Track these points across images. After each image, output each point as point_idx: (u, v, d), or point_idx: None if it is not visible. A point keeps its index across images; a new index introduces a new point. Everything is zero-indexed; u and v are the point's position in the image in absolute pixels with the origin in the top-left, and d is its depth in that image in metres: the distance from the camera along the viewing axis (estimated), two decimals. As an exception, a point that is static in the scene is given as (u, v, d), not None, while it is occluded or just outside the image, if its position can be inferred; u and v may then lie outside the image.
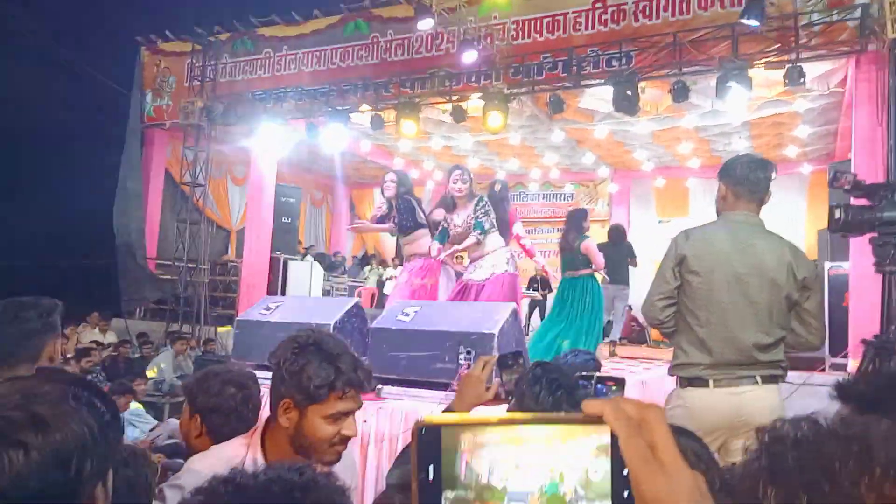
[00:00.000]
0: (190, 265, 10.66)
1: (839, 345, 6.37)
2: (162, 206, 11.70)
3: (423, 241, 5.38)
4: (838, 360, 6.44)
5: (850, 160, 6.97)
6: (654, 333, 10.85)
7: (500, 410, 1.81)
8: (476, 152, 11.49)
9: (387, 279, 12.43)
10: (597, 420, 0.49)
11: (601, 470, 0.49)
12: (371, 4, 9.45)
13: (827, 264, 7.06)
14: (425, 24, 7.55)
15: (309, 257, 12.24)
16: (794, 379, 5.89)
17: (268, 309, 4.07)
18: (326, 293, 11.57)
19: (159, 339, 9.66)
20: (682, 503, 0.45)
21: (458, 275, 5.24)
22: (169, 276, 10.91)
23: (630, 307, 9.04)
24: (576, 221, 6.64)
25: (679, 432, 0.99)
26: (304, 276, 10.46)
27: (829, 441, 0.58)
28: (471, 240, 4.87)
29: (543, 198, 13.37)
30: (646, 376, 5.47)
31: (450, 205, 5.13)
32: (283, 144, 10.26)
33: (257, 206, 10.49)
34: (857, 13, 6.42)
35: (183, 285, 10.53)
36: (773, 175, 2.38)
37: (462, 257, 5.38)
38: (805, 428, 0.60)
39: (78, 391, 0.84)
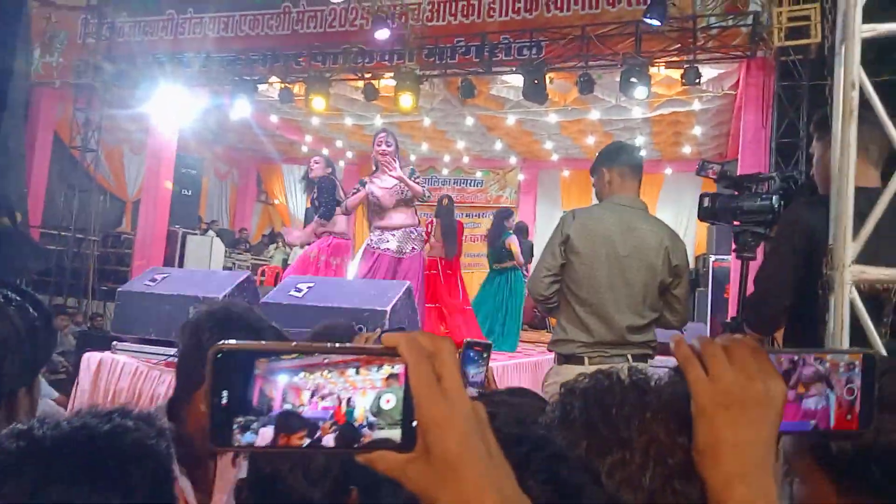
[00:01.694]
0: (79, 235, 10.03)
1: (717, 334, 6.81)
2: (50, 171, 10.90)
3: (339, 219, 5.30)
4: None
5: (734, 160, 7.41)
6: (553, 320, 11.26)
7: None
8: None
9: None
10: (393, 352, 0.50)
11: (393, 398, 0.50)
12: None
13: (711, 257, 7.50)
14: (338, -1, 7.38)
15: (210, 232, 11.80)
16: (670, 363, 6.29)
17: (153, 280, 3.89)
18: (228, 270, 11.19)
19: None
20: (459, 426, 0.47)
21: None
22: (55, 247, 10.22)
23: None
24: (500, 220, 7.46)
25: (521, 392, 1.02)
26: (204, 251, 10.08)
27: (612, 390, 0.61)
28: (417, 188, 4.79)
29: (454, 182, 13.46)
30: (540, 358, 5.65)
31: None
32: (186, 112, 9.79)
33: (155, 175, 9.97)
34: (750, 20, 6.81)
35: (70, 256, 9.90)
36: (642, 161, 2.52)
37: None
38: (599, 380, 0.63)
39: (9, 293, 0.80)
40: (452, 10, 8.41)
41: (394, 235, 4.83)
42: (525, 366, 5.20)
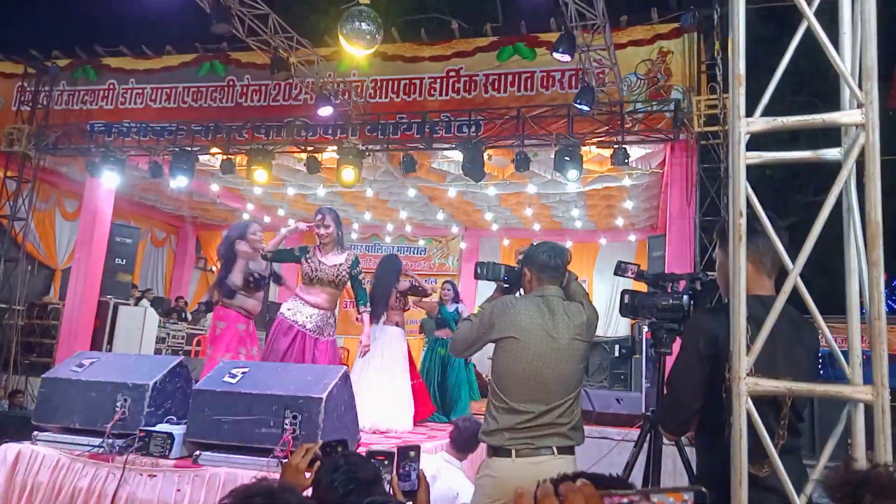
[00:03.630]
0: (2, 305, 9.59)
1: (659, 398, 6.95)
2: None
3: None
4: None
5: (664, 234, 7.79)
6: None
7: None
8: (331, 202, 11.46)
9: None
10: None
11: None
12: (229, 47, 9.30)
13: (645, 326, 7.72)
14: (282, 77, 7.55)
15: (144, 302, 11.45)
16: (614, 435, 6.36)
17: (80, 366, 3.75)
18: (161, 341, 10.83)
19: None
20: None
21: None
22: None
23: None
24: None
25: None
26: (137, 322, 9.75)
27: None
28: (366, 319, 4.74)
29: (398, 250, 13.55)
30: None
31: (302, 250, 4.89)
32: (122, 181, 9.65)
33: (87, 244, 9.70)
34: (672, 106, 7.30)
35: (-8, 329, 9.43)
36: (569, 260, 2.65)
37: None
38: None
39: None
40: (394, 89, 8.71)
41: (314, 313, 4.60)
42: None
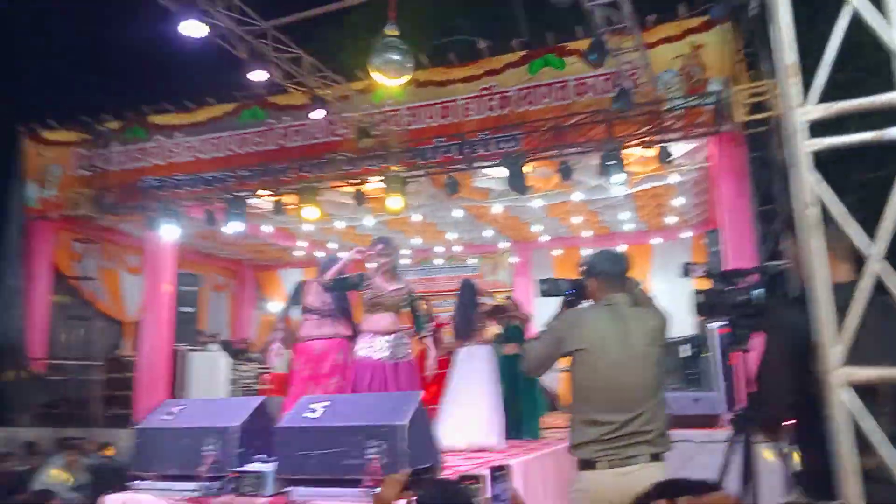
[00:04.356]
0: (83, 363, 10.04)
1: (733, 401, 6.81)
2: (51, 302, 10.99)
3: (306, 324, 5.26)
4: (732, 415, 6.85)
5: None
6: (563, 400, 11.16)
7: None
8: (379, 231, 11.64)
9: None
10: None
11: None
12: (266, 92, 9.60)
13: (714, 324, 7.55)
14: (318, 114, 7.77)
15: (213, 346, 11.80)
16: (695, 437, 6.23)
17: (170, 413, 3.93)
18: (234, 383, 11.14)
19: (49, 446, 8.91)
20: None
21: None
22: (60, 377, 10.19)
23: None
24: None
25: None
26: (209, 366, 10.07)
27: None
28: (428, 343, 4.90)
29: (449, 271, 13.65)
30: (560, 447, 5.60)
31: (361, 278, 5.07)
32: (180, 232, 10.03)
33: (155, 296, 10.09)
34: (712, 99, 7.22)
35: (76, 385, 9.86)
36: (629, 265, 2.69)
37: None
38: None
39: None
40: (430, 114, 8.85)
41: (385, 341, 4.70)
42: (549, 457, 5.10)
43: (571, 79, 8.06)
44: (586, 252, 12.38)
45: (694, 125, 7.27)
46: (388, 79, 5.43)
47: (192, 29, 5.41)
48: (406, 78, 5.55)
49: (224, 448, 3.61)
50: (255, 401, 3.88)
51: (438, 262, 13.58)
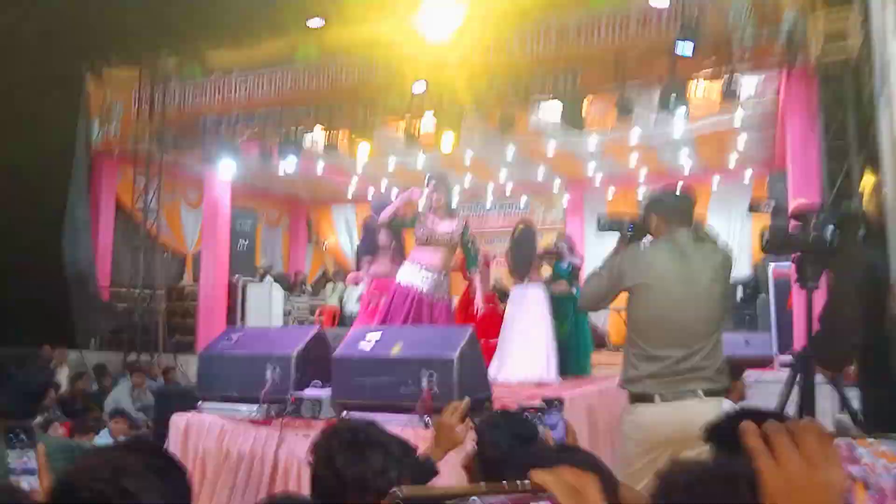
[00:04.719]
0: (146, 292, 10.51)
1: (786, 343, 6.68)
2: (114, 234, 11.48)
3: (382, 261, 5.47)
4: (785, 357, 6.74)
5: (787, 169, 7.35)
6: (613, 337, 11.14)
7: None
8: (430, 169, 11.59)
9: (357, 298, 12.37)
10: (541, 489, 0.60)
11: None
12: (321, 30, 9.50)
13: (771, 265, 7.36)
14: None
15: (268, 278, 12.17)
16: (747, 378, 6.17)
17: (229, 340, 4.10)
18: (287, 314, 11.52)
19: (117, 369, 9.47)
20: None
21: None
22: (125, 305, 10.72)
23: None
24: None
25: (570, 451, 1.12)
26: (264, 298, 10.42)
27: (711, 484, 0.71)
28: (476, 282, 4.96)
29: (499, 209, 13.59)
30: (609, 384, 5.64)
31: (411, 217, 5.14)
32: (237, 167, 10.22)
33: (213, 230, 10.41)
34: (785, 30, 6.79)
35: (139, 313, 10.37)
36: (695, 201, 2.61)
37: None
38: (694, 472, 0.73)
39: (159, 463, 0.95)
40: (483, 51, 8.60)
41: (429, 276, 4.71)
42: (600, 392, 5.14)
43: (633, 12, 7.68)
44: (642, 192, 12.14)
45: (764, 58, 6.88)
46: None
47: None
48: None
49: (282, 374, 3.76)
50: (312, 330, 4.00)
51: (489, 200, 13.50)
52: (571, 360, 6.07)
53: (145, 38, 11.08)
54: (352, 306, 12.50)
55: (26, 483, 1.48)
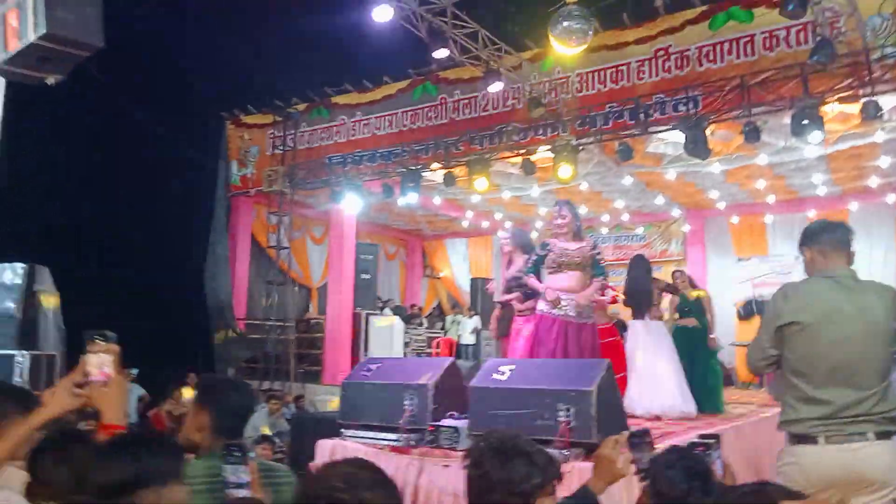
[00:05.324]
0: (278, 324, 11.19)
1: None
2: (249, 269, 12.34)
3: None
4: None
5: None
6: (741, 375, 10.58)
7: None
8: (544, 200, 11.67)
9: (472, 330, 12.57)
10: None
11: None
12: (438, 68, 9.91)
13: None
14: (495, 87, 7.87)
15: (387, 311, 12.59)
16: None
17: (369, 370, 4.31)
18: (406, 345, 11.85)
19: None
20: None
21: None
22: (258, 336, 11.46)
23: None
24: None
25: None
26: (386, 330, 10.79)
27: None
28: (595, 286, 4.86)
29: (616, 240, 13.35)
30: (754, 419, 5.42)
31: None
32: (361, 204, 10.74)
33: (339, 264, 10.96)
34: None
35: (272, 344, 11.04)
36: (853, 235, 2.49)
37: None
38: None
39: (380, 477, 1.12)
40: (601, 79, 8.65)
41: (571, 298, 4.67)
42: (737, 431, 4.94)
43: (759, 32, 7.47)
44: (769, 219, 11.54)
45: (907, 75, 6.45)
46: (569, 47, 5.39)
47: (381, 13, 5.74)
48: (586, 45, 5.47)
49: (420, 403, 3.90)
50: (446, 361, 4.14)
51: (604, 231, 13.31)
52: (704, 396, 5.85)
53: (277, 86, 12.01)
54: (466, 337, 12.69)
55: (240, 495, 1.68)
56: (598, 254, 4.89)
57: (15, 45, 4.23)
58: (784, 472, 2.31)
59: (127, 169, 13.91)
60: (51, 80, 4.59)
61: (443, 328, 13.70)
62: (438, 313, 15.37)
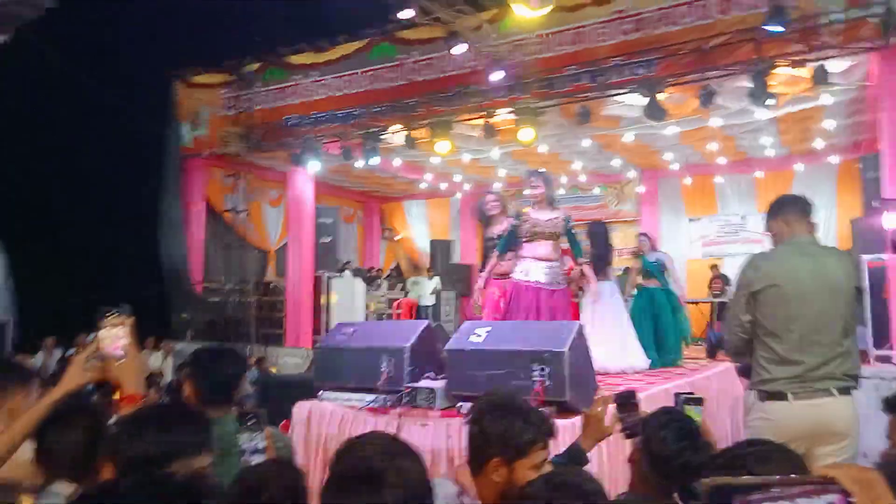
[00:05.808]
0: (237, 287, 11.08)
1: (882, 337, 6.52)
2: (206, 232, 12.10)
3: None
4: (883, 352, 6.58)
5: (878, 153, 7.14)
6: (694, 331, 11.03)
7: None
8: (503, 162, 11.75)
9: (431, 291, 12.67)
10: (832, 482, 0.68)
11: None
12: (395, 28, 9.74)
13: (864, 257, 7.17)
14: (459, 49, 7.81)
15: (347, 273, 12.58)
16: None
17: (344, 335, 4.37)
18: (366, 307, 11.90)
19: (213, 361, 10.04)
20: None
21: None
22: (217, 299, 11.33)
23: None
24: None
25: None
26: (347, 292, 10.81)
27: None
28: (577, 271, 5.16)
29: (573, 200, 13.55)
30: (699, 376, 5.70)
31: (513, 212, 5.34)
32: (319, 167, 10.61)
33: (298, 227, 10.86)
34: (879, 10, 6.59)
35: (231, 307, 10.94)
36: (812, 207, 2.65)
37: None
38: None
39: (404, 447, 1.21)
40: (561, 41, 8.66)
41: (544, 266, 4.85)
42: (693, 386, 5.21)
43: (714, -5, 7.59)
44: (719, 180, 11.92)
45: (855, 40, 6.70)
46: (531, 9, 5.39)
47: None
48: (548, 8, 5.47)
49: (397, 365, 4.00)
50: (422, 324, 4.23)
51: (561, 191, 13.49)
52: (667, 351, 6.16)
53: (229, 44, 11.62)
54: (427, 299, 12.82)
55: (256, 461, 1.74)
56: (572, 227, 5.01)
57: (-40, 4, 4.03)
58: (754, 426, 2.49)
59: (71, 134, 13.35)
60: (-2, 39, 4.39)
61: (403, 289, 13.78)
62: (398, 275, 15.43)
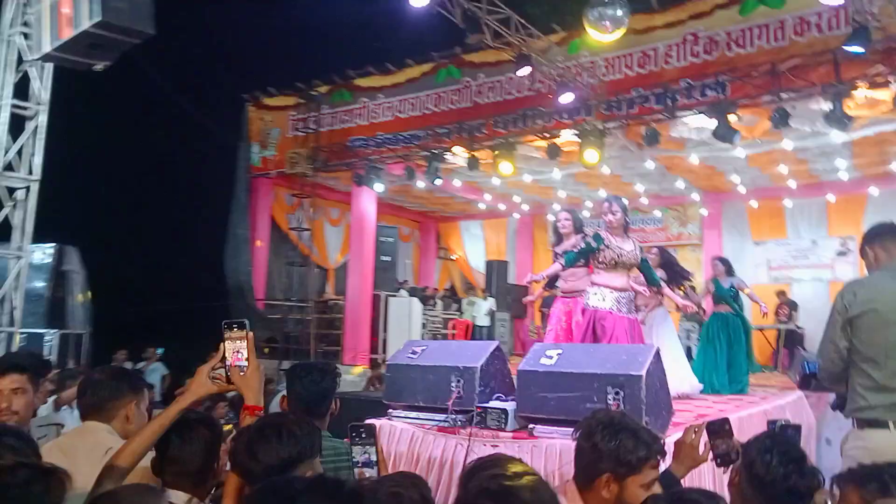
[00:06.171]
0: (299, 304, 11.30)
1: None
2: (269, 250, 12.43)
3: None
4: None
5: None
6: (757, 358, 10.67)
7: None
8: (564, 184, 11.70)
9: (486, 312, 12.65)
10: None
11: None
12: (462, 51, 9.89)
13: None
14: (524, 71, 7.85)
15: (403, 292, 12.69)
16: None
17: (414, 353, 4.40)
18: (423, 326, 11.95)
19: (273, 375, 10.24)
20: None
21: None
22: (278, 316, 11.57)
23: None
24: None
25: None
26: (404, 311, 10.88)
27: None
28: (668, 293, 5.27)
29: (634, 223, 13.34)
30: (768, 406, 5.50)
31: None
32: (383, 187, 10.79)
33: (359, 246, 11.03)
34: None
35: (292, 324, 11.16)
36: None
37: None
38: None
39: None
40: (629, 63, 8.63)
41: (621, 297, 4.80)
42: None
43: (790, 17, 7.44)
44: (788, 203, 11.54)
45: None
46: (603, 34, 5.39)
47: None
48: (621, 32, 5.47)
49: (467, 385, 3.99)
50: (492, 344, 4.22)
51: (622, 214, 13.32)
52: (733, 377, 5.99)
53: (300, 68, 12.01)
54: (481, 319, 12.79)
55: (368, 473, 1.77)
56: (645, 258, 5.00)
57: (68, 33, 4.31)
58: (852, 455, 2.40)
59: (153, 152, 13.97)
60: (99, 67, 4.66)
61: (458, 309, 13.79)
62: (451, 295, 15.47)
